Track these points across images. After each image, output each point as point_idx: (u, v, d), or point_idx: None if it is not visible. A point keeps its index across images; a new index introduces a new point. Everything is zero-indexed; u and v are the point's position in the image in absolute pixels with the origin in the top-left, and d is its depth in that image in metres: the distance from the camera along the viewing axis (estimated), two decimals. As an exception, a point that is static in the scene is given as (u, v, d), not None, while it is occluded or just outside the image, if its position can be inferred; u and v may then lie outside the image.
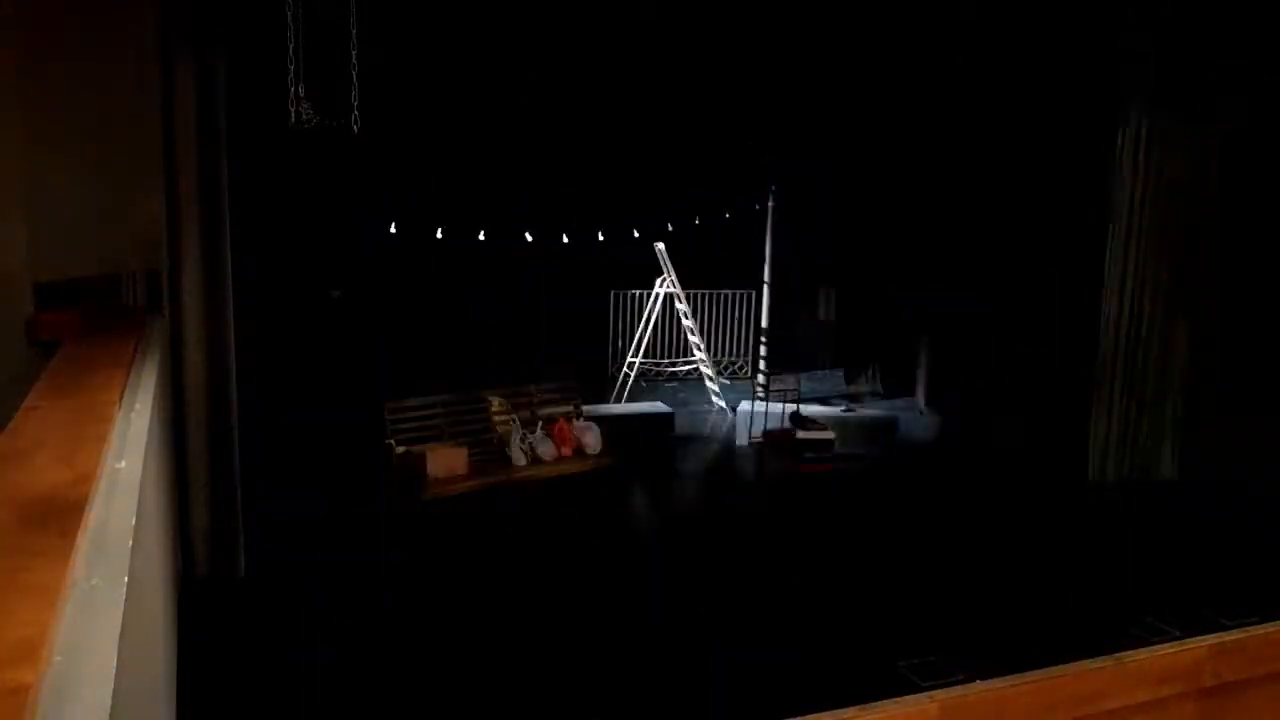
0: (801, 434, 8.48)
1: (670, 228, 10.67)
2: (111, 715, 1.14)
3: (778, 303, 11.23)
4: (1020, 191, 10.24)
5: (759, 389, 10.33)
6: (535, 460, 7.51)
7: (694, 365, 11.36)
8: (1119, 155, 8.26)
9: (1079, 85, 9.06)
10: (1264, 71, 7.83)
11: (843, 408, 9.48)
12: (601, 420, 9.03)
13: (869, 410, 10.13)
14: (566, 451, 7.67)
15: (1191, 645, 3.01)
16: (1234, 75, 8.00)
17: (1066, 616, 5.85)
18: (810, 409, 9.29)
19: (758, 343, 11.67)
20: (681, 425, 9.96)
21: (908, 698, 2.59)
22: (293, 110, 6.60)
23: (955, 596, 6.18)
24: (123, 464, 2.11)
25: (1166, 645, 3.01)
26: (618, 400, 10.68)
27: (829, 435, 8.48)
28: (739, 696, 4.83)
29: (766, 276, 11.11)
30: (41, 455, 1.94)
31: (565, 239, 10.39)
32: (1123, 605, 6.02)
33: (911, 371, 12.07)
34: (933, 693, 2.63)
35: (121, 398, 2.68)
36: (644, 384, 11.58)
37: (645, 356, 11.10)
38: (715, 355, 11.92)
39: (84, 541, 1.52)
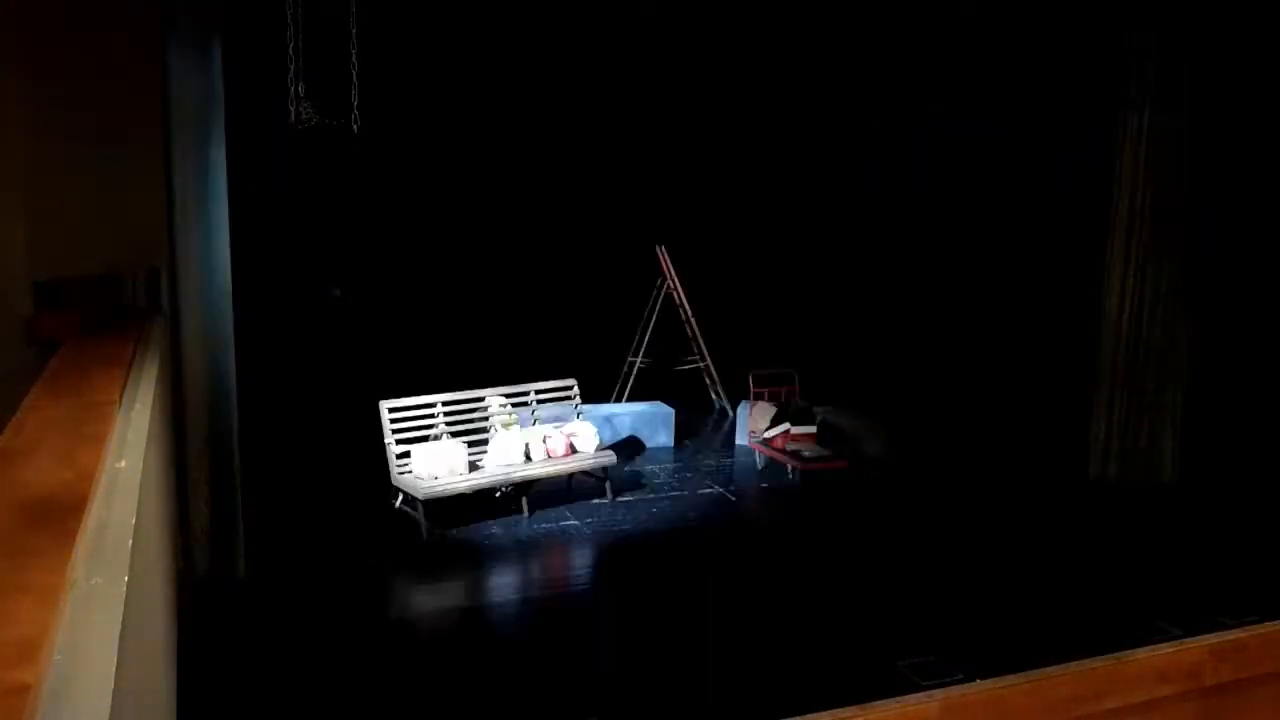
0: (795, 430, 8.49)
1: (670, 228, 10.67)
2: (111, 715, 1.14)
3: (779, 301, 11.22)
4: (1021, 190, 10.25)
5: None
6: (535, 460, 7.51)
7: (694, 364, 11.35)
8: (1119, 154, 8.26)
9: (1080, 84, 9.06)
10: (1264, 71, 7.83)
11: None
12: (601, 419, 9.04)
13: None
14: (565, 451, 7.66)
15: (1191, 645, 3.01)
16: (1235, 75, 8.00)
17: (1066, 616, 5.85)
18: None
19: (758, 341, 11.64)
20: (682, 424, 9.96)
21: (908, 697, 2.59)
22: (293, 109, 6.61)
23: (955, 596, 6.18)
24: (123, 464, 2.11)
25: (1166, 645, 3.01)
26: (618, 400, 10.67)
27: (811, 429, 8.51)
28: (739, 696, 4.83)
29: (767, 275, 11.11)
30: (41, 455, 1.94)
31: (565, 239, 10.39)
32: (1122, 605, 6.02)
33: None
34: (932, 692, 2.63)
35: (121, 398, 2.68)
36: (644, 383, 11.57)
37: (645, 356, 11.10)
38: (715, 354, 11.90)
39: (84, 541, 1.52)
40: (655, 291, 10.95)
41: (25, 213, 4.51)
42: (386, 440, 7.11)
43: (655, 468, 8.85)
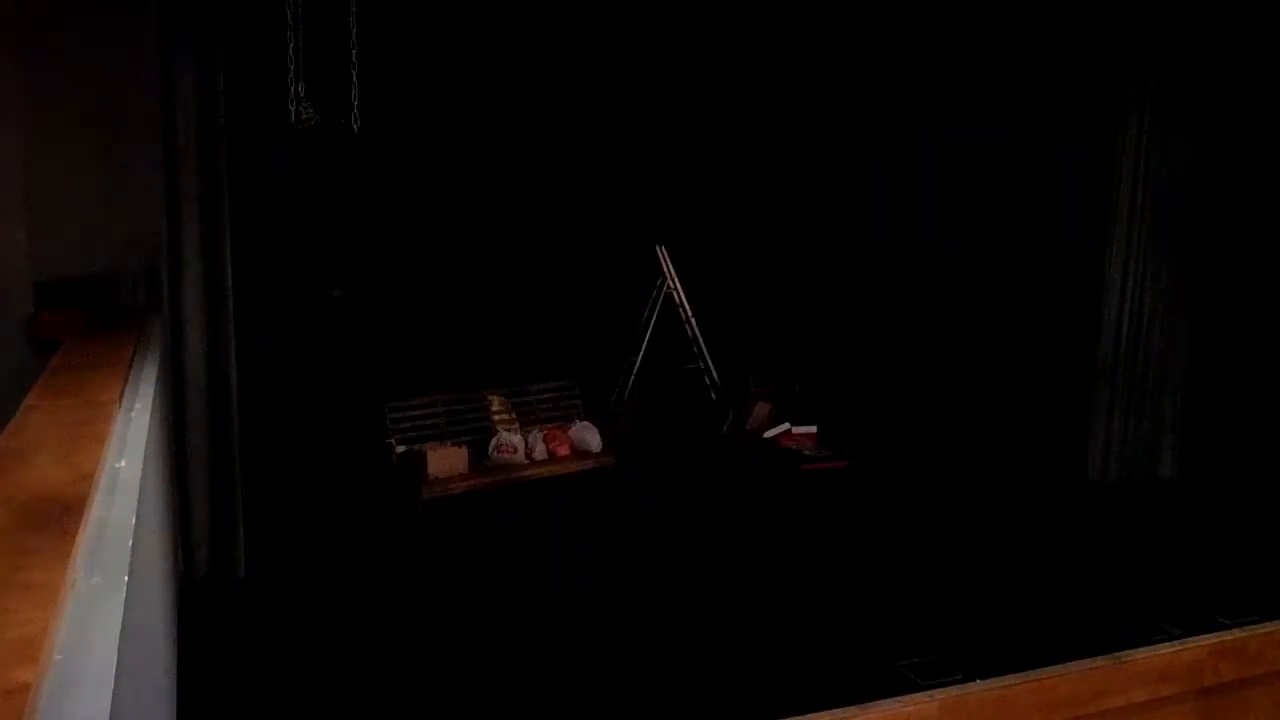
0: (795, 430, 8.51)
1: (669, 228, 10.65)
2: (111, 715, 1.14)
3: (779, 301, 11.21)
4: (1021, 190, 10.24)
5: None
6: (535, 460, 7.51)
7: (694, 365, 11.35)
8: (1119, 154, 8.25)
9: (1080, 84, 9.05)
10: (1265, 70, 7.82)
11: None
12: (602, 419, 9.05)
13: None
14: (565, 451, 7.66)
15: (1191, 645, 3.01)
16: (1235, 74, 7.99)
17: (1066, 616, 5.85)
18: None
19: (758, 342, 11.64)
20: (681, 425, 9.96)
21: (908, 697, 2.60)
22: (293, 109, 6.59)
23: (955, 596, 6.19)
24: (123, 464, 2.11)
25: (1166, 645, 3.01)
26: (618, 400, 10.67)
27: (811, 429, 8.56)
28: (739, 696, 4.83)
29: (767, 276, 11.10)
30: (41, 455, 1.94)
31: (565, 239, 10.37)
32: (1122, 605, 6.02)
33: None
34: (933, 692, 2.64)
35: (121, 398, 2.68)
36: (644, 384, 11.57)
37: (645, 356, 11.09)
38: (715, 355, 11.90)
39: (84, 541, 1.52)
40: (655, 291, 10.94)
41: (25, 213, 4.52)
42: (387, 440, 7.11)
43: (654, 467, 8.84)
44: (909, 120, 11.62)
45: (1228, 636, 3.07)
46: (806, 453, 8.39)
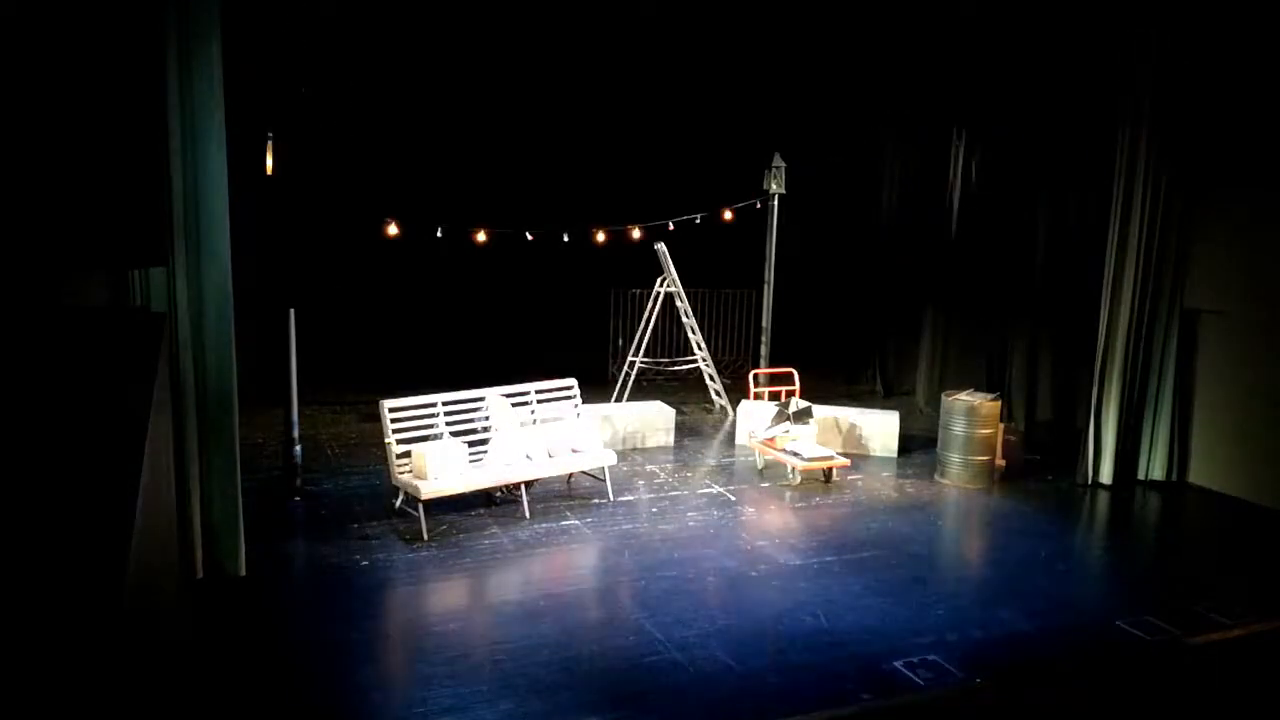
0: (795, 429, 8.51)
1: (670, 227, 10.65)
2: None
3: (779, 301, 11.21)
4: (1019, 189, 10.24)
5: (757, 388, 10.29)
6: (534, 459, 7.50)
7: (694, 364, 11.35)
8: (1119, 154, 8.25)
9: (1080, 83, 9.05)
10: (1265, 68, 7.82)
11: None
12: (602, 419, 9.05)
13: (869, 408, 10.10)
14: (566, 451, 7.66)
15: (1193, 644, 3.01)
16: (1235, 72, 7.99)
17: (1067, 616, 5.85)
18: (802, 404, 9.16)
19: (758, 341, 11.66)
20: (681, 424, 9.95)
21: (906, 698, 2.60)
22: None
23: (956, 596, 6.19)
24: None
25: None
26: (618, 400, 10.67)
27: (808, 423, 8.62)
28: (740, 696, 4.84)
29: (767, 275, 11.10)
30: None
31: (565, 239, 10.37)
32: (1123, 605, 6.03)
33: (912, 370, 12.09)
34: (933, 692, 2.64)
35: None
36: (644, 383, 11.59)
37: (645, 356, 11.09)
38: (716, 354, 11.92)
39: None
40: (655, 291, 10.94)
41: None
42: (387, 440, 7.11)
43: (655, 468, 8.85)
44: (909, 120, 11.64)
45: (1228, 636, 3.07)
46: (806, 452, 8.39)
